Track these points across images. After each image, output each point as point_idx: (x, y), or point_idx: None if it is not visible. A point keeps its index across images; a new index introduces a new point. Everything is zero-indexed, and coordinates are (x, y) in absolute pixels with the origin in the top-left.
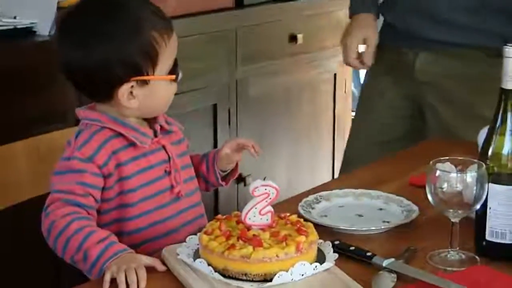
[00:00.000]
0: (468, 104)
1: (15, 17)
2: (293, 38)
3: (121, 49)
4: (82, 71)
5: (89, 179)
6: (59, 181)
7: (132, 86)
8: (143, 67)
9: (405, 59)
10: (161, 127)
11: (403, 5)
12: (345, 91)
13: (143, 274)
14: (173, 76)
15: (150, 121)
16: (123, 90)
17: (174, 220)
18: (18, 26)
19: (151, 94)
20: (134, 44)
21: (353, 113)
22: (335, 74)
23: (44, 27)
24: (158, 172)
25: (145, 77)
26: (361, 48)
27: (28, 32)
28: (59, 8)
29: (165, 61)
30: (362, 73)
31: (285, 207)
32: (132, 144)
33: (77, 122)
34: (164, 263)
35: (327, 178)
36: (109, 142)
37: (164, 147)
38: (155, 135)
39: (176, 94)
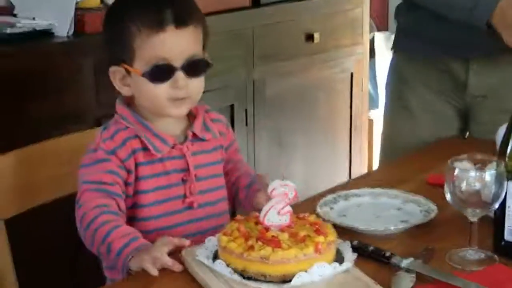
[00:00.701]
0: None
1: (33, 19)
2: (309, 37)
3: (109, 32)
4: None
5: (115, 168)
6: (87, 172)
7: (122, 74)
8: (124, 56)
9: (454, 72)
10: (194, 134)
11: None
12: (361, 90)
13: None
14: (138, 71)
15: (188, 126)
16: (112, 71)
17: (185, 227)
18: (37, 28)
19: (137, 88)
20: (116, 31)
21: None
22: (351, 73)
23: (62, 28)
24: (174, 179)
25: (126, 67)
26: None
27: (47, 33)
28: (77, 9)
29: (143, 58)
30: (379, 72)
31: (303, 207)
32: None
33: (96, 123)
34: (182, 264)
35: (344, 177)
36: (129, 141)
37: (185, 156)
38: (184, 140)
39: None
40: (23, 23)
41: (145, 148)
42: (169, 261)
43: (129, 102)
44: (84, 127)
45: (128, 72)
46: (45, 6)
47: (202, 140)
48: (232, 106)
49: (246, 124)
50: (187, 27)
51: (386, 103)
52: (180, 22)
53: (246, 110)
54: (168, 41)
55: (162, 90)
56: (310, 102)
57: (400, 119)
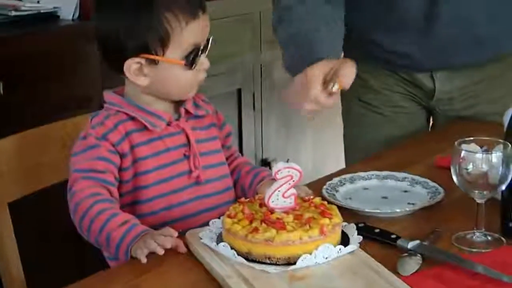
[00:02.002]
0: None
1: (38, 2)
2: None
3: (130, 22)
4: (97, 36)
5: (106, 153)
6: (78, 160)
7: (141, 64)
8: (151, 46)
9: (419, 81)
10: (186, 111)
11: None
12: None
13: (169, 239)
14: (182, 62)
15: (177, 104)
16: (129, 64)
17: (193, 204)
18: (42, 11)
19: (162, 76)
20: (144, 20)
21: None
22: None
23: (68, 11)
24: (175, 156)
25: (153, 57)
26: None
27: (52, 16)
28: None
29: (179, 45)
30: None
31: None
32: (146, 127)
33: (101, 106)
34: (186, 247)
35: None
36: (122, 124)
37: (184, 130)
38: (178, 118)
39: None
40: (28, 6)
41: (140, 129)
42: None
43: (119, 91)
44: (89, 110)
45: (151, 61)
46: None
47: (196, 117)
48: (239, 90)
49: (254, 109)
50: (205, 11)
51: (345, 103)
52: (204, 6)
53: (253, 94)
54: (200, 26)
55: (192, 74)
56: None
57: (364, 118)
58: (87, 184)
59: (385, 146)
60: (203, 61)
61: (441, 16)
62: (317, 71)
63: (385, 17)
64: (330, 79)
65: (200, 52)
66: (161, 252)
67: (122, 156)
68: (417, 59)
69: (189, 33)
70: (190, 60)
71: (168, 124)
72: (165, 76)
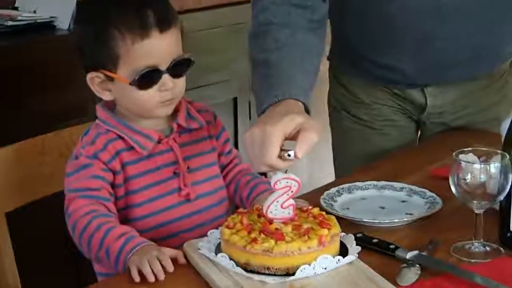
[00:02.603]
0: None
1: (35, 12)
2: None
3: (87, 36)
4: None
5: (98, 172)
6: (72, 181)
7: (102, 79)
8: (105, 62)
9: (410, 96)
10: (179, 125)
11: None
12: None
13: (168, 262)
14: (127, 81)
15: (172, 119)
16: (90, 77)
17: (185, 221)
18: (38, 21)
19: (121, 93)
20: (97, 36)
21: None
22: None
23: (64, 21)
24: (165, 174)
25: (108, 73)
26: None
27: (48, 26)
28: (78, 3)
29: (129, 65)
30: None
31: (307, 200)
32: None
33: (97, 116)
34: (185, 257)
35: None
36: (112, 143)
37: (172, 148)
38: (170, 133)
39: (197, 87)
40: (25, 16)
41: (129, 148)
42: (170, 251)
43: (110, 104)
44: (85, 120)
45: (108, 77)
46: None
47: (189, 130)
48: (235, 99)
49: (250, 118)
50: (170, 29)
51: (334, 116)
52: (164, 25)
53: (249, 103)
54: (154, 47)
55: (150, 95)
56: (314, 95)
57: (354, 132)
58: (83, 203)
59: (375, 159)
60: (165, 82)
61: (438, 34)
62: (278, 132)
63: (382, 35)
64: (285, 149)
65: (156, 73)
66: (151, 279)
67: (114, 173)
68: (410, 75)
69: (137, 53)
70: (141, 81)
71: (159, 141)
72: (124, 93)
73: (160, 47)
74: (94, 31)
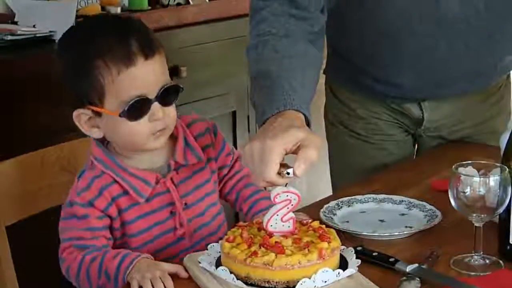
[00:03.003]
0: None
1: (34, 26)
2: None
3: (70, 69)
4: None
5: (94, 223)
6: (66, 228)
7: (89, 116)
8: (90, 96)
9: (407, 110)
10: (176, 162)
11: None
12: None
13: (170, 283)
14: (116, 113)
15: (169, 152)
16: (76, 114)
17: (182, 254)
18: (38, 35)
19: (110, 127)
20: (80, 68)
21: None
22: None
23: None
24: (162, 215)
25: (94, 108)
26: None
27: (47, 40)
28: (77, 17)
29: (116, 96)
30: None
31: (306, 213)
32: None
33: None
34: (185, 271)
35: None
36: (107, 189)
37: (169, 189)
38: (168, 171)
39: (196, 100)
40: (24, 30)
41: (126, 192)
42: (170, 266)
43: (103, 140)
44: (83, 135)
45: (95, 112)
46: (46, 13)
47: (187, 165)
48: (234, 113)
49: (248, 131)
50: (154, 56)
51: (331, 130)
52: (148, 52)
53: (248, 117)
54: (140, 75)
55: (141, 126)
56: (312, 109)
57: (352, 146)
58: (76, 252)
59: (372, 173)
60: (155, 111)
61: (436, 49)
62: (278, 148)
63: (380, 49)
64: (285, 165)
65: (145, 102)
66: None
67: (112, 218)
68: (407, 89)
69: (123, 83)
70: (131, 111)
71: (156, 182)
72: (113, 127)
73: (146, 74)
74: (76, 63)
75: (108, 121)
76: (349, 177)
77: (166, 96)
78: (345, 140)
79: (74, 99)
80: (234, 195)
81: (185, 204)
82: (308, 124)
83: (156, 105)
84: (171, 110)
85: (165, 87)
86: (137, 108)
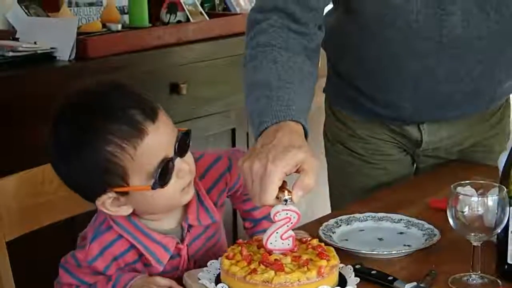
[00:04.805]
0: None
1: (35, 43)
2: None
3: (78, 170)
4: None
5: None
6: (68, 278)
7: (113, 197)
8: (112, 181)
9: (406, 132)
10: (189, 225)
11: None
12: None
13: None
14: (148, 187)
15: (182, 213)
16: (101, 202)
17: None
18: (39, 51)
19: (140, 201)
20: (90, 162)
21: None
22: None
23: (64, 52)
24: (168, 275)
25: (120, 189)
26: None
27: (48, 57)
28: (79, 33)
29: (140, 170)
30: None
31: (305, 231)
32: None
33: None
34: (180, 285)
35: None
36: (123, 256)
37: (181, 255)
38: (182, 235)
39: (195, 118)
40: (25, 47)
41: (142, 255)
42: (164, 281)
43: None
44: None
45: (121, 192)
46: (47, 30)
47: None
48: (233, 130)
49: (248, 148)
50: (159, 115)
51: (330, 150)
52: (153, 115)
53: (247, 134)
54: (155, 141)
55: (172, 187)
56: (311, 126)
57: (351, 166)
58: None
59: (370, 192)
60: (180, 167)
61: (437, 73)
62: (278, 174)
63: (383, 73)
64: (283, 186)
65: (169, 163)
66: None
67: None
68: (408, 113)
69: (143, 155)
70: (161, 179)
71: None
72: (146, 200)
73: (161, 136)
74: (88, 158)
75: (139, 196)
76: (348, 196)
77: (182, 147)
78: (344, 159)
79: (90, 192)
80: (240, 210)
81: (194, 262)
82: (306, 135)
83: (178, 161)
84: (190, 157)
85: (179, 138)
86: (165, 173)
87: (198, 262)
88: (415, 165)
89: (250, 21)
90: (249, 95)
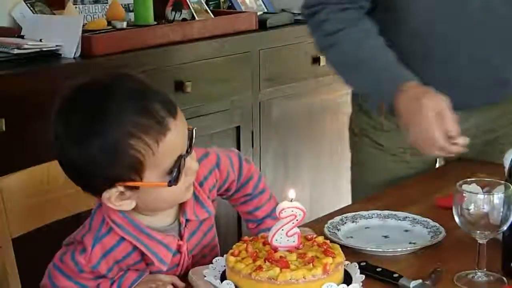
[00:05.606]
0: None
1: (40, 40)
2: (316, 60)
3: (92, 160)
4: (67, 172)
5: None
6: (67, 283)
7: (120, 192)
8: (125, 175)
9: None
10: (187, 220)
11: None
12: None
13: None
14: (164, 184)
15: (178, 211)
16: (107, 196)
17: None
18: (44, 49)
19: (149, 196)
20: (108, 153)
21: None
22: None
23: (69, 50)
24: (169, 269)
25: (132, 183)
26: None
27: (54, 54)
28: (84, 31)
29: (156, 166)
30: None
31: (311, 228)
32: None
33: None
34: (189, 285)
35: (350, 198)
36: (126, 259)
37: (181, 252)
38: (180, 230)
39: (200, 116)
40: (30, 45)
41: (143, 259)
42: (167, 278)
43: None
44: None
45: (130, 187)
46: (52, 27)
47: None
48: (238, 128)
49: (252, 146)
50: (177, 112)
51: (352, 139)
52: (173, 111)
53: (252, 132)
54: (176, 137)
55: (179, 184)
56: (316, 124)
57: (375, 159)
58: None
59: (389, 185)
60: (190, 165)
61: (460, 60)
62: (431, 103)
63: (410, 56)
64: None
65: (182, 160)
66: None
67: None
68: None
69: (164, 151)
70: (174, 176)
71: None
72: (154, 196)
73: (179, 134)
74: (103, 150)
75: (149, 192)
76: (369, 189)
77: (191, 145)
78: (368, 151)
79: (99, 184)
80: (241, 212)
81: (192, 257)
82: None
83: (188, 159)
84: (194, 155)
85: (190, 136)
86: (179, 170)
87: (196, 257)
88: (438, 160)
89: (307, 13)
90: (349, 75)
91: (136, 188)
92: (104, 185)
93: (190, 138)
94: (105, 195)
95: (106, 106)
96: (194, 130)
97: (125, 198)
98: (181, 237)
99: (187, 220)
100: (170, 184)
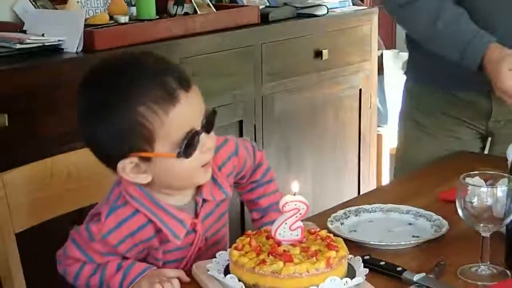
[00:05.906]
0: None
1: (43, 35)
2: (318, 54)
3: (107, 126)
4: (88, 145)
5: (111, 259)
6: (76, 252)
7: (135, 162)
8: (138, 145)
9: (476, 103)
10: (204, 199)
11: None
12: (370, 107)
13: (177, 284)
14: (173, 155)
15: (195, 191)
16: (122, 166)
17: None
18: (46, 44)
19: (161, 169)
20: (119, 122)
21: (379, 128)
22: (360, 90)
23: (72, 44)
24: (185, 251)
25: (144, 154)
26: None
27: (56, 49)
28: (86, 26)
29: (167, 137)
30: (387, 88)
31: (314, 222)
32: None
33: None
34: (194, 279)
35: (353, 193)
36: (139, 232)
37: (196, 231)
38: (196, 209)
39: None
40: (33, 39)
41: (159, 230)
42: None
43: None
44: None
45: (143, 158)
46: (54, 22)
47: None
48: (240, 122)
49: (255, 140)
50: (191, 87)
51: (401, 126)
52: (187, 85)
53: (254, 126)
54: (187, 110)
55: (193, 161)
56: (318, 118)
57: (418, 143)
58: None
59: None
60: (205, 142)
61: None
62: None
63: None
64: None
65: (196, 135)
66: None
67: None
68: (476, 80)
69: (173, 121)
70: (184, 148)
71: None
72: (166, 170)
73: (191, 107)
74: (116, 118)
75: (161, 164)
76: (406, 169)
77: (209, 123)
78: (412, 134)
79: (115, 153)
80: (247, 201)
81: (205, 239)
82: None
83: (203, 136)
84: (214, 136)
85: (208, 114)
86: (191, 144)
87: (208, 241)
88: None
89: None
90: (433, 41)
91: (149, 160)
92: (119, 155)
93: (208, 116)
94: (120, 165)
95: (119, 81)
96: (215, 111)
97: (140, 172)
98: (196, 216)
99: (203, 200)
100: (179, 155)
